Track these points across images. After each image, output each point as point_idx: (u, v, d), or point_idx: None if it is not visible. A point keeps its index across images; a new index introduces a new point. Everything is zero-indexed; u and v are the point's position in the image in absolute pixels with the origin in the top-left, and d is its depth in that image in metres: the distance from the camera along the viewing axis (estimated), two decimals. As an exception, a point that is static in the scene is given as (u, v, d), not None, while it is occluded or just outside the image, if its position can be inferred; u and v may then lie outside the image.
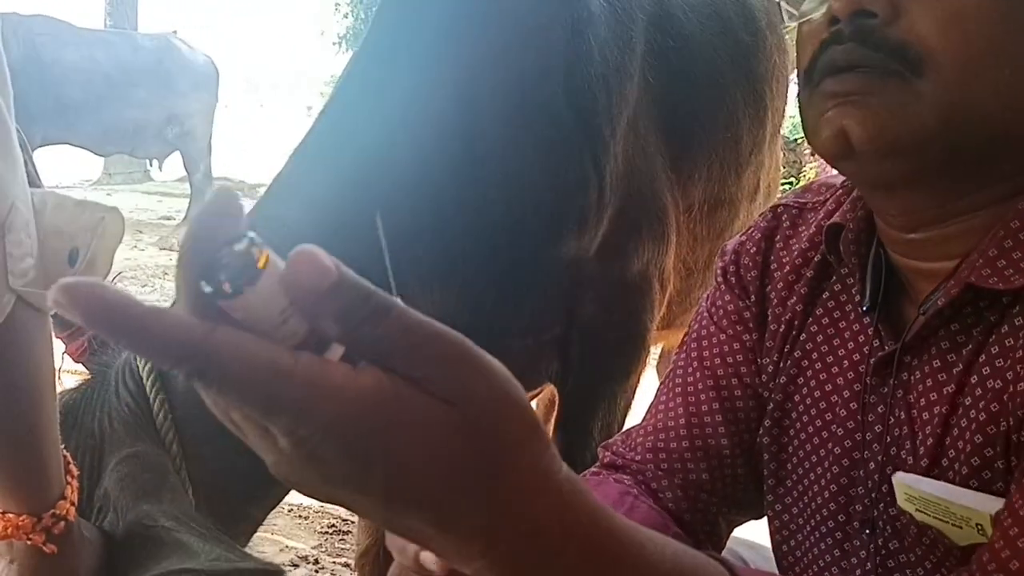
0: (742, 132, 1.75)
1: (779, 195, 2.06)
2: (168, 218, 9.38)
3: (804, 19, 0.80)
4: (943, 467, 0.77)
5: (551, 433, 1.90)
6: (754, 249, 0.97)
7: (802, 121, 0.80)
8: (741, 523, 1.01)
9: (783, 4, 2.23)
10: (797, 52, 0.81)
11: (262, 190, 1.36)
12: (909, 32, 0.72)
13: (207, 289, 0.41)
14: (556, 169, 1.38)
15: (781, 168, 2.30)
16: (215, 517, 1.17)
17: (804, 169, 8.19)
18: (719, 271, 1.01)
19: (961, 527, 0.75)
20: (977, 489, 0.74)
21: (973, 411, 0.74)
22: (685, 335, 1.05)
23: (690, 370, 1.00)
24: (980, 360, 0.75)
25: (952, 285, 0.76)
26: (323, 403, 0.43)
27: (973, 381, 0.75)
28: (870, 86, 0.73)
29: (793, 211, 0.97)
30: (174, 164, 9.40)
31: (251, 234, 0.41)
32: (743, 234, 1.01)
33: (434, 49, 1.31)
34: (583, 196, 1.40)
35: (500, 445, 0.47)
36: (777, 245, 0.96)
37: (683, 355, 1.02)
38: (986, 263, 0.74)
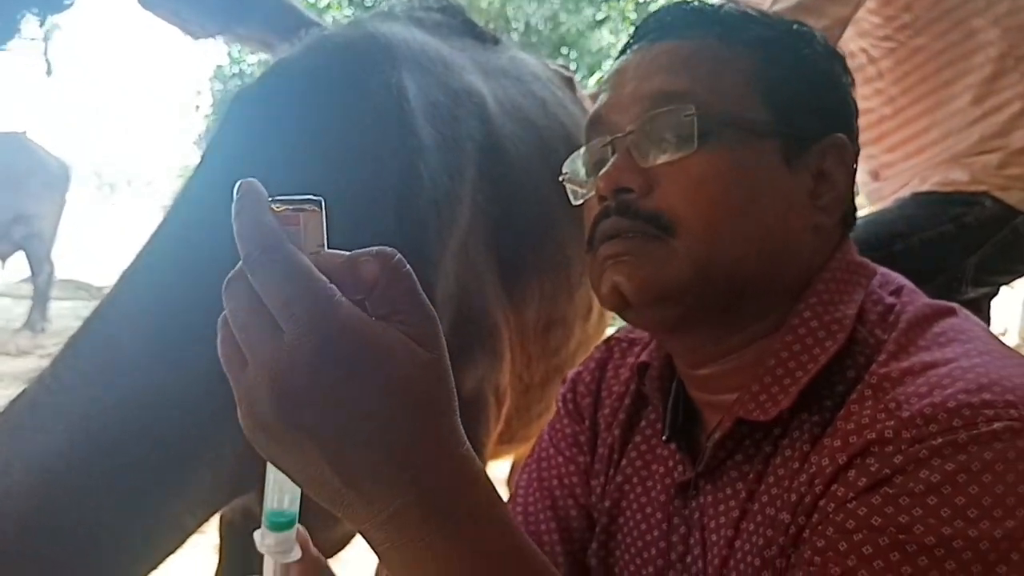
0: (571, 255, 1.82)
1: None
2: (6, 321, 8.94)
3: (583, 199, 0.93)
4: None
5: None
6: (589, 378, 1.06)
7: (591, 280, 0.91)
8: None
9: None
10: (584, 224, 0.92)
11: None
12: (661, 202, 0.84)
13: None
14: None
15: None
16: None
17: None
18: (559, 397, 1.09)
19: None
20: None
21: (754, 536, 0.80)
22: (528, 456, 1.10)
23: (531, 490, 1.05)
24: (761, 488, 0.81)
25: (726, 419, 0.84)
26: (339, 310, 0.56)
27: (755, 508, 0.81)
28: (634, 248, 0.85)
29: (623, 344, 1.07)
30: (14, 265, 9.02)
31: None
32: (581, 364, 1.10)
33: (269, 172, 1.34)
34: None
35: (450, 391, 0.60)
36: (608, 374, 1.05)
37: (525, 476, 1.08)
38: (751, 398, 0.82)
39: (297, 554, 0.76)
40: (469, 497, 0.61)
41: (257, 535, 0.75)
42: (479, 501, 0.61)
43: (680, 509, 0.90)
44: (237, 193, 0.59)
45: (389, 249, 0.60)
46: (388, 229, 1.41)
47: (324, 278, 0.57)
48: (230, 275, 0.59)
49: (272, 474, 0.72)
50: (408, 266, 0.60)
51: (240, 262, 0.58)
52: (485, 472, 0.63)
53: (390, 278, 0.59)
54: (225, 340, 0.60)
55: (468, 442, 0.61)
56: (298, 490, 0.73)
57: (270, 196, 0.59)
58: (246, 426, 0.58)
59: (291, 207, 0.60)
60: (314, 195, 0.61)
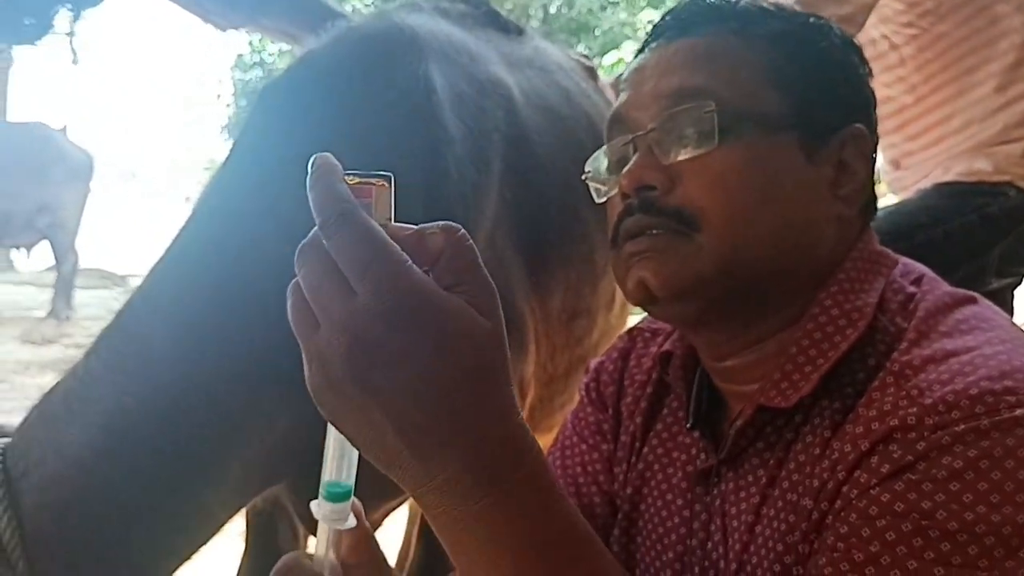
0: (595, 246, 1.82)
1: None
2: (30, 309, 9.03)
3: (606, 197, 0.95)
4: (748, 572, 0.84)
5: (416, 540, 1.91)
6: (612, 367, 1.08)
7: (615, 277, 0.93)
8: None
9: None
10: (607, 221, 0.94)
11: (133, 280, 1.35)
12: (684, 198, 0.85)
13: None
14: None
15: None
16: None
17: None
18: (583, 386, 1.11)
19: None
20: None
21: (776, 521, 0.81)
22: (551, 445, 1.12)
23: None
24: (782, 474, 0.83)
25: (747, 406, 0.85)
26: (413, 275, 0.58)
27: (776, 494, 0.82)
28: (659, 244, 0.86)
29: (646, 335, 1.09)
30: (39, 255, 9.09)
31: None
32: (604, 354, 1.12)
33: (297, 164, 1.35)
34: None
35: (508, 361, 0.62)
36: (631, 364, 1.07)
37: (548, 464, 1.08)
38: (772, 386, 0.84)
39: (352, 522, 0.79)
40: (523, 465, 0.63)
41: (314, 504, 0.77)
42: (533, 470, 0.63)
43: (701, 496, 0.91)
44: (312, 165, 0.62)
45: (454, 224, 0.62)
46: (415, 222, 1.42)
47: (397, 246, 0.59)
48: (302, 244, 0.61)
49: (331, 444, 0.74)
50: (471, 240, 0.62)
51: (309, 234, 0.61)
52: (537, 442, 0.65)
53: (455, 250, 0.62)
54: (295, 305, 0.62)
55: (521, 413, 0.63)
56: (355, 463, 0.75)
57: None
58: (313, 386, 0.60)
59: (363, 180, 0.63)
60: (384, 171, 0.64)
